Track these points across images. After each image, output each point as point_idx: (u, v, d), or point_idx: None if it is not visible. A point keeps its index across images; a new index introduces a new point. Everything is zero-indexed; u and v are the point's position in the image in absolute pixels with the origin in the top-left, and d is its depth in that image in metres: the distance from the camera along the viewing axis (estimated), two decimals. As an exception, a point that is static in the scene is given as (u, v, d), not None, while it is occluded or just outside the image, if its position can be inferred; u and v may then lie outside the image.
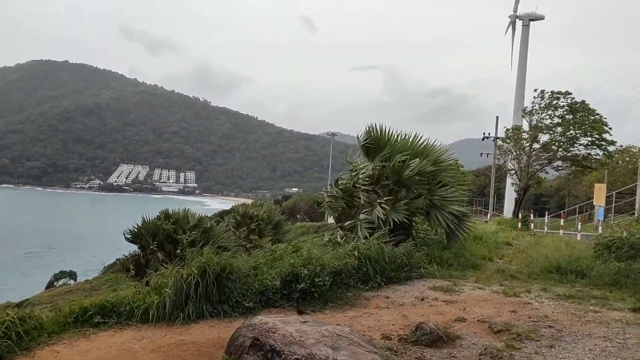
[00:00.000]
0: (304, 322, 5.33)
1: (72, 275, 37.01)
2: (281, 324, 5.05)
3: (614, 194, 31.78)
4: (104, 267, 39.66)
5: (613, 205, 31.81)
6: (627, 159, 42.96)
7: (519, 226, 27.49)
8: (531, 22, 60.08)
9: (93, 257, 57.11)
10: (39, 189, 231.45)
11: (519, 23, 60.17)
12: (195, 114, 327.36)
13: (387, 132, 13.51)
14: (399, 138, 13.55)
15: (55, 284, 35.82)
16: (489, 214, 46.74)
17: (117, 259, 31.61)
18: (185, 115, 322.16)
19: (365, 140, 13.57)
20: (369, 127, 13.61)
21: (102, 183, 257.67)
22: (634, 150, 43.15)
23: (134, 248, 14.28)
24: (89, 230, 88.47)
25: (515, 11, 59.97)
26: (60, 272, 37.29)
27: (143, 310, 7.00)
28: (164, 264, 11.60)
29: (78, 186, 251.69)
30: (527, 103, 40.14)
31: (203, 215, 15.72)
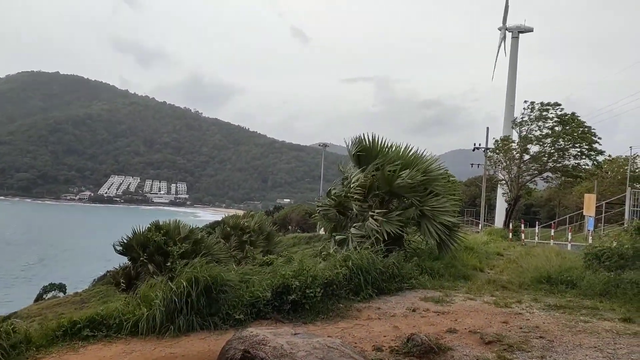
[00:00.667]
0: (295, 334, 5.31)
1: (61, 287, 36.60)
2: (272, 336, 5.03)
3: (604, 204, 32.02)
4: (94, 279, 39.29)
5: (603, 215, 32.04)
6: (616, 169, 43.35)
7: (510, 236, 27.60)
8: (520, 34, 60.88)
9: (83, 269, 56.56)
10: (29, 200, 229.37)
11: (508, 35, 60.94)
12: (187, 125, 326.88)
13: (378, 142, 13.57)
14: (391, 148, 13.62)
15: (44, 296, 35.41)
16: (480, 224, 46.89)
17: (107, 271, 31.26)
18: (177, 126, 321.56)
19: (356, 149, 13.61)
20: (359, 137, 13.65)
21: (92, 194, 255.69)
22: (622, 161, 43.54)
23: (124, 260, 14.17)
24: (79, 242, 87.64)
25: (504, 23, 60.72)
26: (50, 284, 36.87)
27: (132, 323, 6.94)
28: (155, 276, 11.52)
29: (68, 198, 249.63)
30: (517, 113, 40.53)
31: (194, 226, 15.65)
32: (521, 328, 7.27)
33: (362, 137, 13.59)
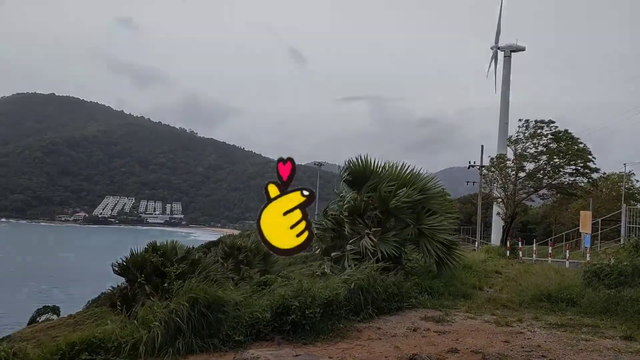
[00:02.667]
0: (296, 355, 5.25)
1: (55, 310, 36.19)
2: (273, 358, 4.97)
3: (599, 221, 32.05)
4: (88, 301, 38.88)
5: (599, 232, 32.04)
6: (611, 186, 43.56)
7: (507, 254, 27.50)
8: (512, 53, 61.56)
9: (77, 292, 56.00)
10: (23, 222, 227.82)
11: (500, 54, 61.62)
12: (182, 145, 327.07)
13: (372, 163, 13.55)
14: (386, 167, 13.63)
15: (38, 319, 34.98)
16: (476, 242, 46.82)
17: (102, 293, 30.98)
18: (172, 146, 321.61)
19: (346, 173, 13.56)
20: (349, 161, 13.59)
21: (87, 215, 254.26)
22: (616, 178, 43.77)
23: (118, 282, 14.04)
24: (73, 264, 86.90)
25: (496, 43, 61.42)
26: (44, 307, 36.46)
27: (131, 345, 6.85)
28: (151, 297, 11.41)
29: (62, 219, 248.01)
30: (511, 131, 40.80)
31: (190, 247, 15.57)
32: (523, 347, 7.22)
33: (353, 161, 13.53)
